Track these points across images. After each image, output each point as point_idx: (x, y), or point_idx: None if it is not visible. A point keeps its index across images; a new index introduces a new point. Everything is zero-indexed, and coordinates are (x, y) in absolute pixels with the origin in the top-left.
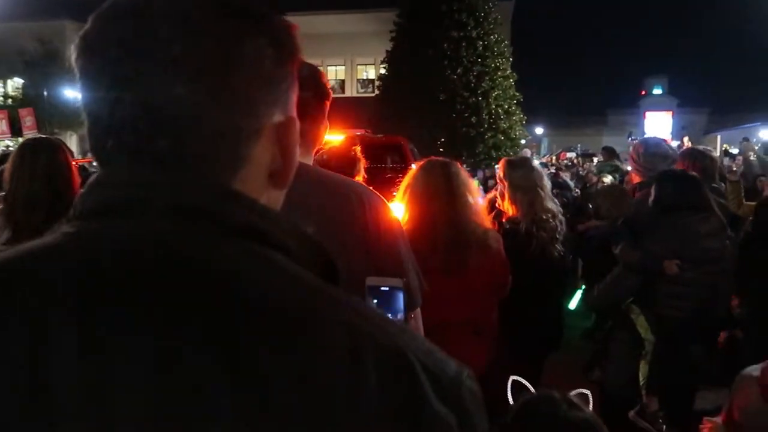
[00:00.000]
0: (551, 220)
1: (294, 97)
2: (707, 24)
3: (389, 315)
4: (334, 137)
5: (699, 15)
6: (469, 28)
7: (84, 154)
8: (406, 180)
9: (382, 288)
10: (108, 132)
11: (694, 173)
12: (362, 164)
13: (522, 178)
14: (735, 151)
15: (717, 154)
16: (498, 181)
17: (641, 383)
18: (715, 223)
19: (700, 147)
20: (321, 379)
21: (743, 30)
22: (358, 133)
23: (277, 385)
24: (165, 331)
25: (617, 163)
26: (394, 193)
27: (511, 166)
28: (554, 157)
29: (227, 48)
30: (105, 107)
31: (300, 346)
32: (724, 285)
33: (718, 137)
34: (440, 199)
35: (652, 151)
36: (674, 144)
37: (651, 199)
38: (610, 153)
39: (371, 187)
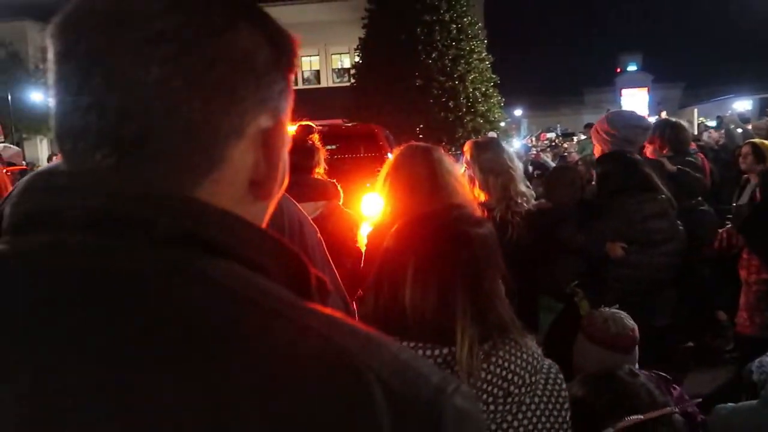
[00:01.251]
0: (525, 205)
1: (288, 105)
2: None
3: None
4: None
5: None
6: (441, 11)
7: (49, 159)
8: (385, 168)
9: None
10: (73, 111)
11: (633, 154)
12: (322, 155)
13: (491, 160)
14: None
15: (695, 126)
16: (466, 165)
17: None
18: (663, 204)
19: (673, 119)
20: (232, 412)
21: (715, 5)
22: (320, 125)
23: (178, 413)
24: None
25: None
26: (368, 185)
27: (478, 147)
28: (534, 138)
29: (216, 31)
30: (73, 84)
31: (207, 369)
32: (676, 266)
33: (695, 111)
34: (423, 191)
35: (635, 123)
36: (652, 119)
37: (594, 182)
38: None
39: (341, 179)
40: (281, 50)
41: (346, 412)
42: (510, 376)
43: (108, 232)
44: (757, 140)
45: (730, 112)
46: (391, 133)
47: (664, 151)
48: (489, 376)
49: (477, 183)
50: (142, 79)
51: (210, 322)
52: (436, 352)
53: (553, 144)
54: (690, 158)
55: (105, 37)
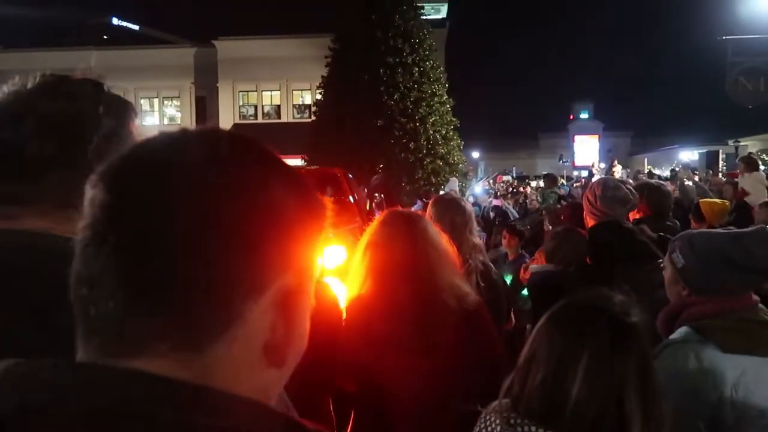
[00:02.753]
0: (477, 257)
1: (313, 269)
2: (630, 53)
3: None
4: None
5: (622, 44)
6: (405, 54)
7: None
8: (365, 238)
9: None
10: (96, 255)
11: (626, 224)
12: None
13: (450, 222)
14: (658, 172)
15: (645, 172)
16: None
17: None
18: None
19: (654, 182)
20: None
21: (662, 59)
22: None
23: None
24: None
25: (558, 189)
26: (330, 234)
27: (437, 207)
28: (491, 181)
29: (248, 186)
30: (99, 230)
31: None
32: None
33: (645, 160)
34: (406, 271)
35: (611, 194)
36: (602, 166)
37: (597, 249)
38: (552, 180)
39: None
40: (311, 211)
41: None
42: None
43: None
44: (705, 200)
45: (676, 162)
46: (352, 173)
47: (641, 214)
48: None
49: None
50: (169, 225)
51: None
52: None
53: (513, 189)
54: (669, 223)
55: (145, 187)
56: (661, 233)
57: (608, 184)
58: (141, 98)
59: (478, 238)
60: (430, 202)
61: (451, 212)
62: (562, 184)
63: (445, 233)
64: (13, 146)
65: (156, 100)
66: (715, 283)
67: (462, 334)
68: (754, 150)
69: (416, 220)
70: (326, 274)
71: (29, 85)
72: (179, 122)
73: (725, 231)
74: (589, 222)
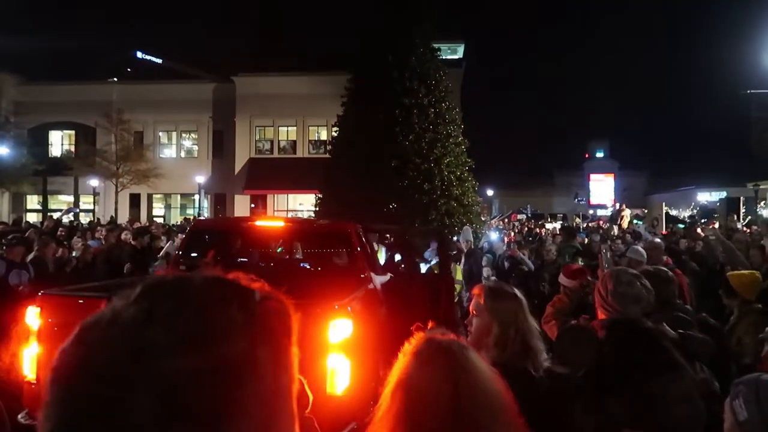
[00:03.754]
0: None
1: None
2: (647, 92)
3: None
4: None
5: (640, 83)
6: (420, 95)
7: (19, 216)
8: (394, 374)
9: None
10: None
11: (649, 324)
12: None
13: (509, 311)
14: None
15: (663, 218)
16: (473, 310)
17: None
18: (688, 384)
19: (650, 268)
20: None
21: (680, 99)
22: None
23: None
24: None
25: (576, 244)
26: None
27: (494, 295)
28: (506, 220)
29: None
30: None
31: None
32: None
33: (663, 204)
34: (443, 419)
35: (623, 290)
36: (617, 206)
37: (608, 353)
38: (569, 233)
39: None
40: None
41: None
42: None
43: None
44: (733, 274)
45: (694, 204)
46: (365, 212)
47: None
48: None
49: (492, 335)
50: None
51: None
52: None
53: (527, 231)
54: (679, 314)
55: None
56: (681, 331)
57: (621, 278)
58: (159, 131)
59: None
60: (478, 293)
61: (509, 301)
62: (579, 230)
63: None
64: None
65: (174, 134)
66: None
67: None
68: None
69: (460, 355)
70: (332, 350)
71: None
72: (196, 155)
73: None
74: (600, 315)
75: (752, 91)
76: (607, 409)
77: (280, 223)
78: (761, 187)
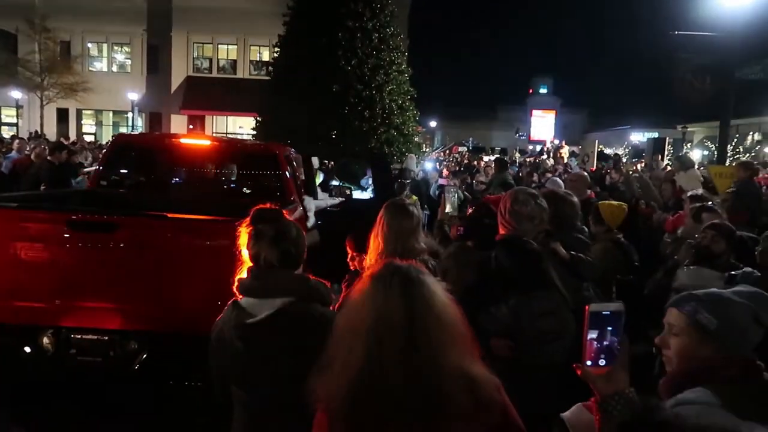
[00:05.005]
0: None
1: None
2: (591, 30)
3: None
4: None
5: (585, 21)
6: (365, 18)
7: None
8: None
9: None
10: None
11: (533, 245)
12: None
13: (399, 226)
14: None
15: (595, 155)
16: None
17: None
18: (555, 301)
19: (561, 191)
20: None
21: (623, 39)
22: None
23: None
24: None
25: (507, 177)
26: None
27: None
28: (447, 151)
29: None
30: None
31: None
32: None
33: (596, 141)
34: (396, 341)
35: (518, 208)
36: (556, 142)
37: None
38: (501, 164)
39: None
40: None
41: None
42: None
43: None
44: (605, 203)
45: (626, 144)
46: (304, 137)
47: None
48: None
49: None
50: None
51: None
52: None
53: (465, 164)
54: (577, 234)
55: None
56: (572, 253)
57: (517, 197)
58: (88, 42)
59: (424, 245)
60: (384, 206)
61: (400, 217)
62: (513, 164)
63: (393, 236)
64: None
65: (105, 45)
66: (749, 344)
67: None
68: (700, 136)
69: (414, 277)
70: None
71: None
72: (129, 71)
73: (735, 291)
74: (501, 231)
75: (679, 32)
76: (479, 322)
77: (207, 142)
78: (689, 129)
